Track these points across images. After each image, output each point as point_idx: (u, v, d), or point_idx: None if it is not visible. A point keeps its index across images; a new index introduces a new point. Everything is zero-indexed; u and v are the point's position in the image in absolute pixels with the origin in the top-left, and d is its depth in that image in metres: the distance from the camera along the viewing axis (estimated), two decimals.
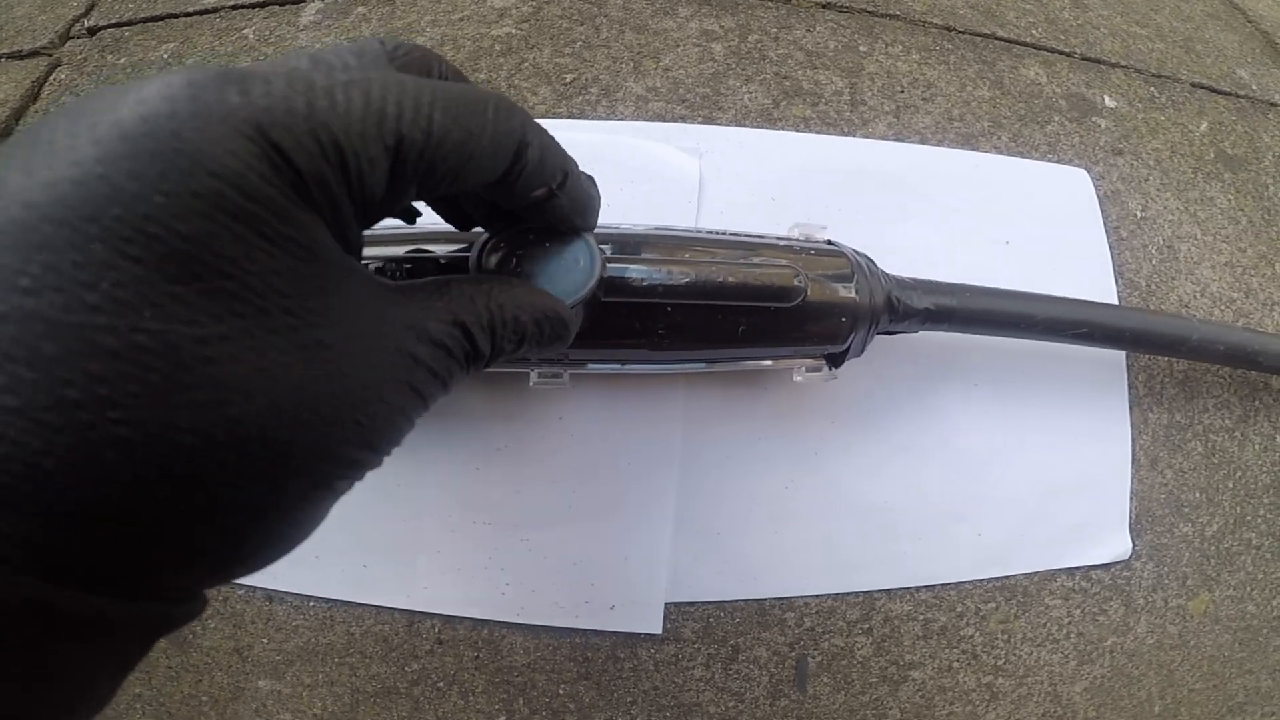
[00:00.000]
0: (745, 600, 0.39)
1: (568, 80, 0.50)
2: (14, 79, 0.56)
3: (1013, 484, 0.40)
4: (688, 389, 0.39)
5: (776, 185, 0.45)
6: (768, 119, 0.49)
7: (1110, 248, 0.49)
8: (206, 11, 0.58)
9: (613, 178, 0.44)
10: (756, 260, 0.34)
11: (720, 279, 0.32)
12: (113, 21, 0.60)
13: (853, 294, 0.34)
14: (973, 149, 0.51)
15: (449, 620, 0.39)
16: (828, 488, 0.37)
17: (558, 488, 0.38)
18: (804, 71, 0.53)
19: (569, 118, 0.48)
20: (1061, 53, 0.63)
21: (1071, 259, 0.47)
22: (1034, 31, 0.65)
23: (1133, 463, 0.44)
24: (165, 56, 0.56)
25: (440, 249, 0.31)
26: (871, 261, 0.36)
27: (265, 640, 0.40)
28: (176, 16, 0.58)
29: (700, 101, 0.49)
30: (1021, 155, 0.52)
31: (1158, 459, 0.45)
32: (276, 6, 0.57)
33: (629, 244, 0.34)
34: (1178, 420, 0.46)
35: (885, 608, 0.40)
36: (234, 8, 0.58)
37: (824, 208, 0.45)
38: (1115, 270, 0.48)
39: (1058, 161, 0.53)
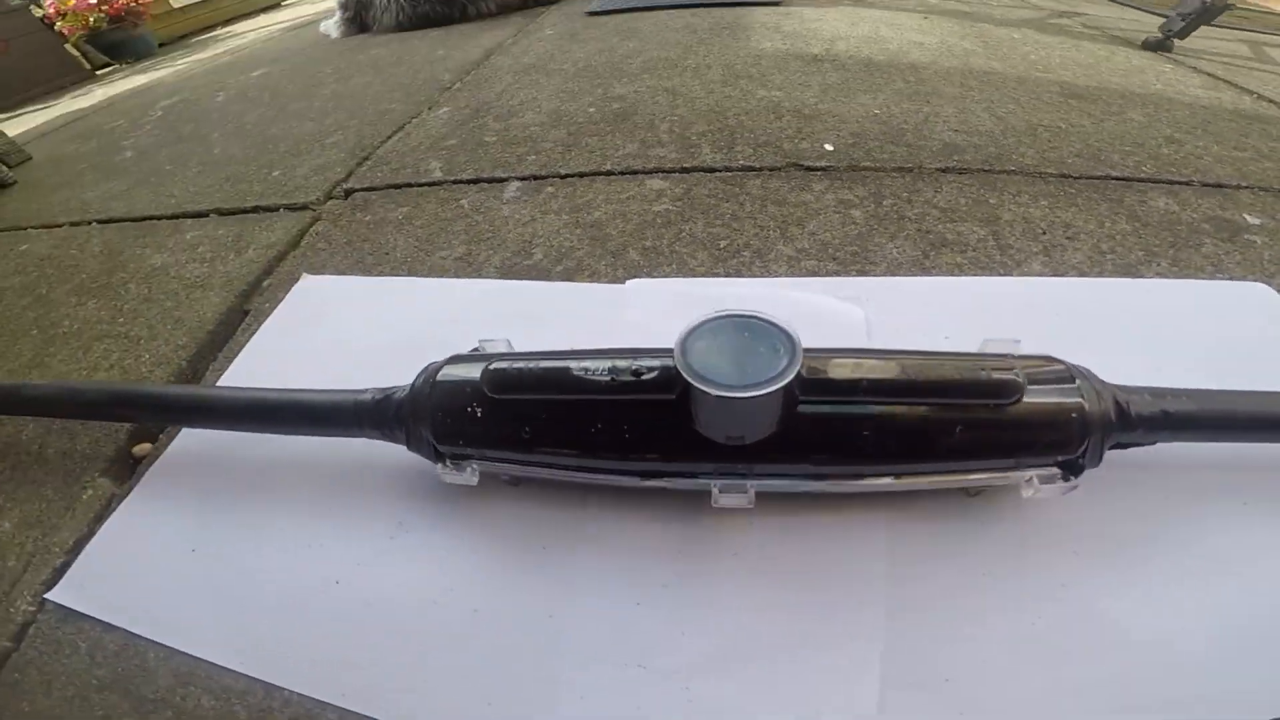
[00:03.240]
0: None
1: (722, 245, 0.56)
2: (286, 226, 0.70)
3: None
4: (889, 515, 0.35)
5: (949, 324, 0.46)
6: (921, 268, 0.51)
7: None
8: (434, 184, 0.72)
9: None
10: (966, 356, 0.31)
11: (930, 376, 0.30)
12: (364, 186, 0.75)
13: (1078, 393, 0.31)
14: (1136, 277, 0.51)
15: None
16: (1085, 623, 0.31)
17: (730, 631, 0.31)
18: (944, 225, 0.56)
19: (726, 276, 0.52)
20: (1180, 182, 0.65)
21: None
22: (1144, 169, 0.67)
23: None
24: (399, 216, 0.68)
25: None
26: (1089, 370, 0.34)
27: None
28: (412, 186, 0.72)
29: (850, 258, 0.53)
30: (1189, 277, 0.51)
31: None
32: (486, 184, 0.70)
33: (827, 353, 0.32)
34: None
35: None
36: (455, 182, 0.71)
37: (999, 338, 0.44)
38: None
39: (1229, 279, 0.51)
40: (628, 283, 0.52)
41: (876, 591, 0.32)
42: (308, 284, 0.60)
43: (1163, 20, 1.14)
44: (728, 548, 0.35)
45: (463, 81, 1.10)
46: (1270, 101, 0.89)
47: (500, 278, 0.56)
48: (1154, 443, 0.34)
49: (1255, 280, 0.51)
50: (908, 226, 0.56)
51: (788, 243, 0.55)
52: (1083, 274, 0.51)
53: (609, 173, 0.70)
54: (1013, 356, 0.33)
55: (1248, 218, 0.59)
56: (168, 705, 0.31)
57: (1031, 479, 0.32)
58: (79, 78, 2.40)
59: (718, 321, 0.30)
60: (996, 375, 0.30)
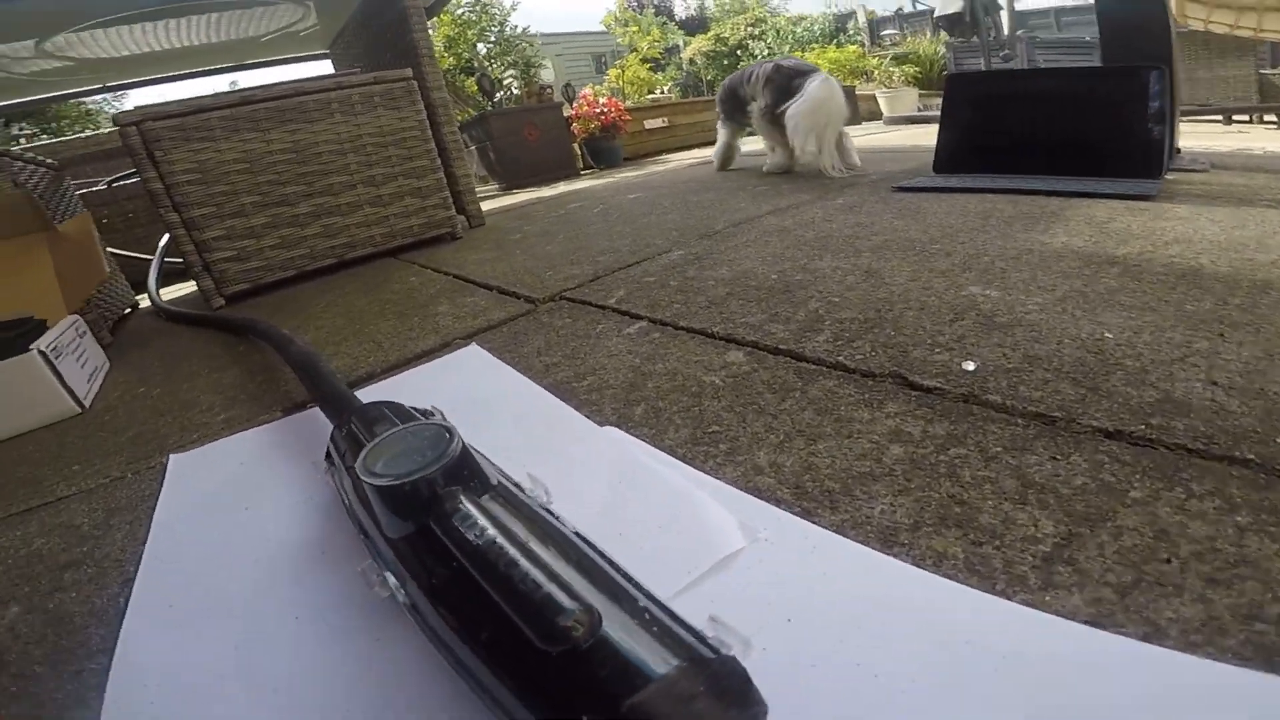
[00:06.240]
0: None
1: (711, 431, 0.52)
2: (509, 310, 0.96)
3: None
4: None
5: (812, 606, 0.33)
6: (888, 541, 0.38)
7: None
8: (603, 308, 0.89)
9: (654, 519, 0.41)
10: (565, 581, 0.27)
11: (500, 566, 0.28)
12: (570, 298, 0.97)
13: (637, 691, 0.22)
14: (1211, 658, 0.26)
15: None
16: None
17: (315, 666, 0.35)
18: (996, 503, 0.40)
19: (686, 461, 0.49)
20: None
21: None
22: None
23: None
24: (558, 324, 0.85)
25: None
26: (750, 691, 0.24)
27: None
28: (591, 305, 0.91)
29: (819, 495, 0.43)
30: None
31: None
32: (628, 318, 0.82)
33: (525, 515, 0.32)
34: None
35: None
36: (615, 310, 0.87)
37: (853, 662, 0.30)
38: None
39: None
40: (605, 427, 0.55)
41: None
42: (471, 351, 0.81)
43: None
44: (375, 632, 0.37)
45: (724, 231, 1.24)
46: None
47: (549, 389, 0.65)
48: None
49: None
50: (939, 488, 0.41)
51: (772, 453, 0.48)
52: (1156, 636, 0.29)
53: (711, 335, 0.72)
54: (667, 631, 0.25)
55: None
56: None
57: None
58: (571, 173, 3.39)
59: (409, 427, 0.38)
60: (552, 612, 0.25)
